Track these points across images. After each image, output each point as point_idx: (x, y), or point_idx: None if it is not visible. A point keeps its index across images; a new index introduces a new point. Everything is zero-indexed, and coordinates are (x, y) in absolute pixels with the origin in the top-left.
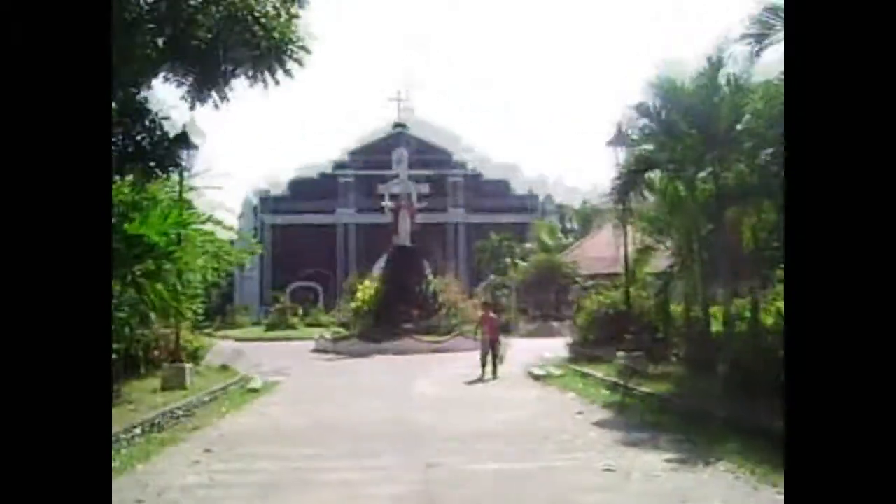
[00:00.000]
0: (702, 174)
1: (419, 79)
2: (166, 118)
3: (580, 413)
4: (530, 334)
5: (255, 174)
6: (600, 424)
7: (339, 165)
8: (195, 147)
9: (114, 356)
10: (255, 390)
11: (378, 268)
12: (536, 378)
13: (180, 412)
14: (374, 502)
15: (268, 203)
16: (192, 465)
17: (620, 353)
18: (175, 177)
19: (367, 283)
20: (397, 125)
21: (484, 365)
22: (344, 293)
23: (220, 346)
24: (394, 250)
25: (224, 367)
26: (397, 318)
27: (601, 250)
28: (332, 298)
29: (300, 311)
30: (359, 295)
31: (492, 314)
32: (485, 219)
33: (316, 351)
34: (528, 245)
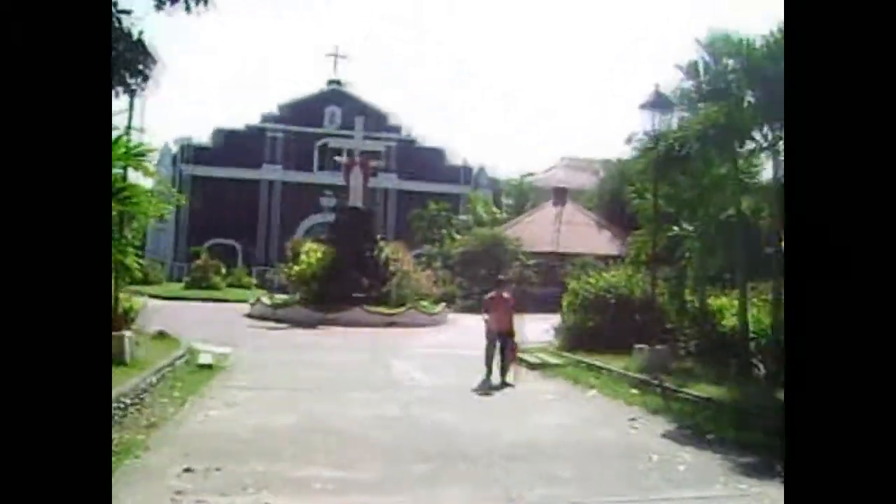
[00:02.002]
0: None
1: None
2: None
3: (633, 420)
4: (467, 310)
5: (175, 121)
6: (677, 439)
7: (268, 119)
8: (153, 61)
9: None
10: (207, 367)
11: (303, 230)
12: (532, 366)
13: (127, 400)
14: None
15: (188, 152)
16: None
17: (640, 346)
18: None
19: (310, 244)
20: (332, 82)
21: (490, 364)
22: (282, 254)
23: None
24: (343, 211)
25: (161, 335)
26: (346, 285)
27: (544, 228)
28: (253, 257)
29: (223, 270)
30: (303, 258)
31: (505, 294)
32: (417, 186)
33: (252, 317)
34: (462, 217)
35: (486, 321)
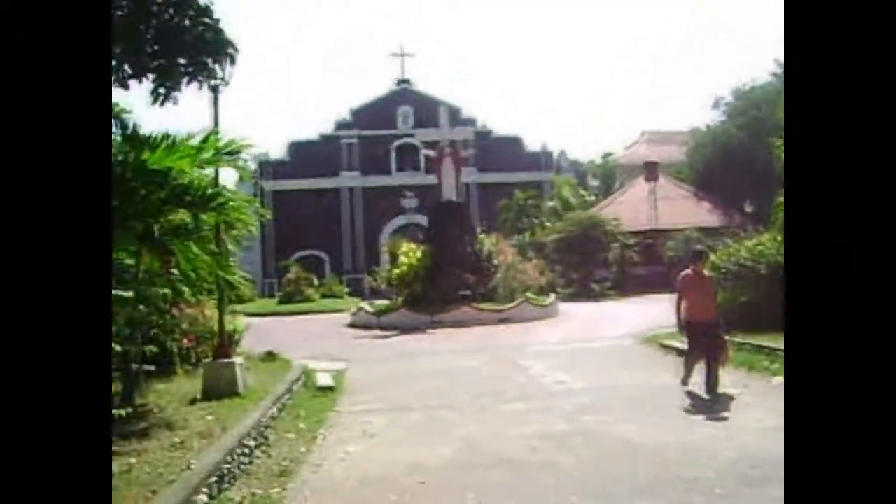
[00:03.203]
0: None
1: (416, 46)
2: None
3: None
4: (569, 298)
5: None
6: None
7: (342, 125)
8: (233, 55)
9: (139, 350)
10: (328, 389)
11: (387, 233)
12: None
13: (251, 441)
14: None
15: (267, 168)
16: None
17: None
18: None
19: (407, 244)
20: (401, 81)
21: (691, 368)
22: (370, 260)
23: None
24: (438, 206)
25: (270, 356)
26: (451, 284)
27: (639, 205)
28: (340, 266)
29: (315, 282)
30: (402, 259)
31: (705, 273)
32: (498, 178)
33: (355, 326)
34: (550, 203)
35: (682, 309)
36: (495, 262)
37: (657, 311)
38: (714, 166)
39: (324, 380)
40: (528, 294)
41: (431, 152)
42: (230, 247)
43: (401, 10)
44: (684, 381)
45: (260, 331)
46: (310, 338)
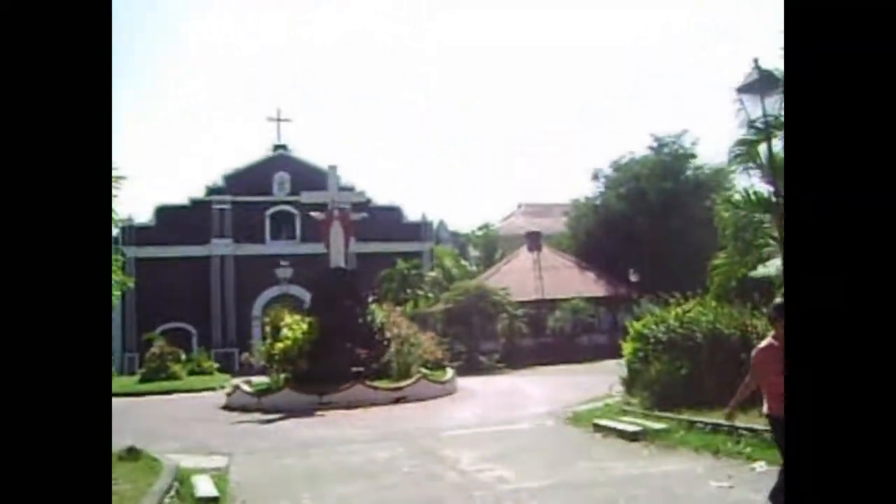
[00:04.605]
0: None
1: (291, 111)
2: None
3: None
4: (458, 372)
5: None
6: None
7: (214, 191)
8: None
9: None
10: (211, 501)
11: (260, 305)
12: (632, 436)
13: None
14: None
15: (131, 234)
16: None
17: None
18: None
19: (290, 315)
20: (278, 147)
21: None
22: (242, 333)
23: None
24: (325, 274)
25: (132, 452)
26: (340, 359)
27: (525, 275)
28: (209, 339)
29: (182, 356)
30: (286, 332)
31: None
32: (377, 248)
33: (231, 409)
34: (431, 273)
35: (767, 396)
36: (387, 334)
37: (558, 386)
38: (596, 236)
39: (205, 487)
40: (423, 369)
41: (319, 214)
42: None
43: (278, 74)
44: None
45: (118, 415)
46: (180, 423)
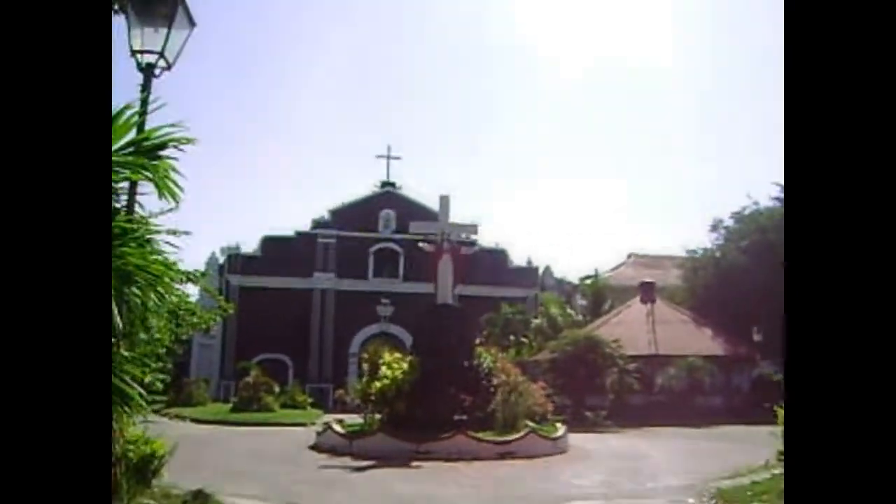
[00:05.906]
0: None
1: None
2: None
3: None
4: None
5: (222, 231)
6: None
7: (319, 224)
8: None
9: None
10: None
11: (358, 342)
12: None
13: None
14: None
15: (236, 262)
16: None
17: None
18: None
19: (390, 353)
20: (385, 184)
21: None
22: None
23: (177, 432)
24: (431, 310)
25: (199, 497)
26: (442, 405)
27: (637, 328)
28: (305, 373)
29: (276, 388)
30: (385, 371)
31: None
32: (481, 291)
33: (320, 450)
34: (536, 320)
35: None
36: (494, 381)
37: (682, 452)
38: (715, 291)
39: None
40: (530, 423)
41: (429, 246)
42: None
43: (385, 114)
44: None
45: (199, 446)
46: (263, 461)
